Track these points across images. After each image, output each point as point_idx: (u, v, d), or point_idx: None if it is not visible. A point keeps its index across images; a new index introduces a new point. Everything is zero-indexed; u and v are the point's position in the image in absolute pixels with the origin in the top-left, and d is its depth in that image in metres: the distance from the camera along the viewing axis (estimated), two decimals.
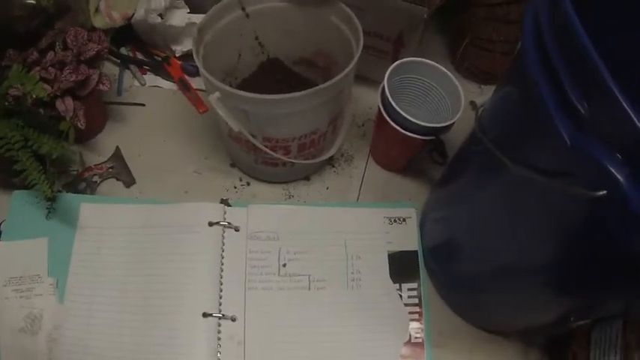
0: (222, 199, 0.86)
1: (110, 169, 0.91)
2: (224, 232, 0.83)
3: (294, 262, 0.83)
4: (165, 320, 0.76)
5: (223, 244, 0.81)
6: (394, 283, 0.83)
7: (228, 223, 0.83)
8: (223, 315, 0.76)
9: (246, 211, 0.85)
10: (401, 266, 0.84)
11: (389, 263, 0.84)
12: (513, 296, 0.69)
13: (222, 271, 0.79)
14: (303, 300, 0.80)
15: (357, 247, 0.85)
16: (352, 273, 0.83)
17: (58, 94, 0.79)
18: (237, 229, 0.84)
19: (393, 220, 0.88)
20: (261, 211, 0.86)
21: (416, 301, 0.82)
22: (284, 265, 0.82)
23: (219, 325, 0.76)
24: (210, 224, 0.82)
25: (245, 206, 0.86)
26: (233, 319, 0.77)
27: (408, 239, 0.87)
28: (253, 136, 0.77)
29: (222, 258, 0.80)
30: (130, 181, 0.90)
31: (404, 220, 0.88)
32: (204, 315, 0.75)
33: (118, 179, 0.90)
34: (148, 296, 0.78)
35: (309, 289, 0.81)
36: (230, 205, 0.86)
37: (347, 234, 0.86)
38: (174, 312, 0.76)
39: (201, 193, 0.89)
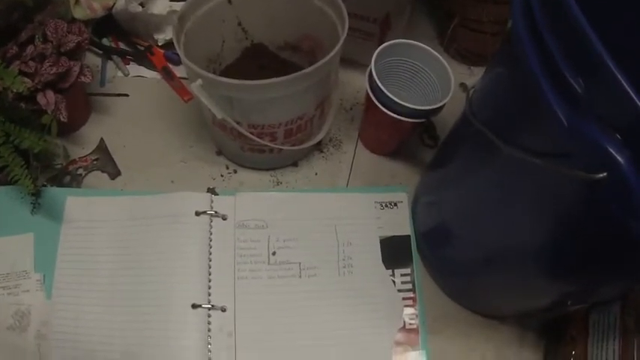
0: (208, 188, 0.85)
1: (95, 162, 0.89)
2: (211, 221, 0.81)
3: (283, 250, 0.81)
4: (155, 312, 0.74)
5: (211, 234, 0.80)
6: (387, 268, 0.81)
7: (216, 212, 0.82)
8: (213, 306, 0.75)
9: (234, 200, 0.84)
10: (393, 251, 0.83)
11: (381, 249, 0.83)
12: (508, 281, 0.68)
13: (210, 261, 0.78)
14: (294, 288, 0.79)
15: (348, 233, 0.83)
16: (344, 259, 0.81)
17: (39, 87, 0.78)
18: (224, 218, 0.82)
19: (384, 205, 0.86)
20: (248, 199, 0.84)
21: (409, 286, 0.80)
22: (273, 254, 0.81)
23: (209, 316, 0.75)
24: (197, 214, 0.80)
25: (232, 194, 0.84)
26: (223, 310, 0.76)
27: (400, 224, 0.85)
28: (238, 122, 0.75)
29: (211, 248, 0.79)
30: (115, 173, 0.89)
31: (395, 204, 0.87)
32: (194, 306, 0.74)
33: (103, 171, 0.89)
34: (136, 289, 0.76)
35: (300, 276, 0.80)
36: (217, 194, 0.84)
37: (337, 220, 0.84)
38: (164, 304, 0.74)
39: (187, 182, 0.88)
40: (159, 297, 0.75)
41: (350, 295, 0.79)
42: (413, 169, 0.92)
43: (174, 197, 0.82)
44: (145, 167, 0.89)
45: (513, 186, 0.55)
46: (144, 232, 0.80)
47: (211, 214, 0.81)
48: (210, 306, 0.75)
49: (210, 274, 0.77)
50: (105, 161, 0.90)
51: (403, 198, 0.88)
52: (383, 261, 0.82)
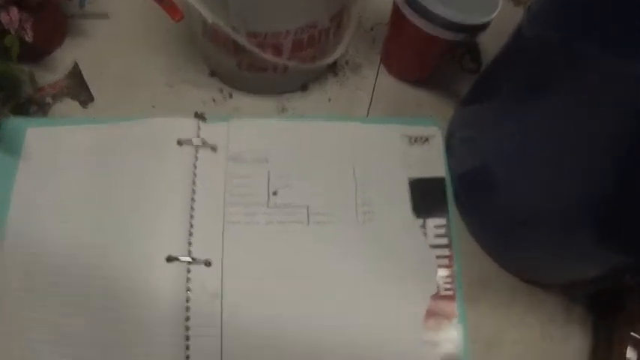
0: (196, 113, 0.70)
1: (66, 88, 0.77)
2: (197, 152, 0.66)
3: (287, 190, 0.66)
4: (122, 267, 0.60)
5: (196, 168, 0.65)
6: (417, 217, 0.66)
7: (203, 141, 0.66)
8: (194, 259, 0.60)
9: (227, 127, 0.68)
10: (425, 197, 0.67)
11: (410, 192, 0.68)
12: (560, 240, 0.55)
13: (193, 201, 0.63)
14: (300, 237, 0.63)
15: (369, 172, 0.68)
16: (363, 204, 0.66)
17: (2, 4, 0.67)
18: (214, 149, 0.67)
19: (414, 140, 0.71)
20: (245, 127, 0.69)
21: (445, 241, 0.65)
22: (274, 194, 0.65)
23: (189, 271, 0.59)
24: (180, 143, 0.65)
25: (225, 121, 0.69)
26: (207, 264, 0.60)
27: (432, 163, 0.70)
28: (234, 29, 0.60)
29: (195, 185, 0.64)
30: (87, 99, 0.76)
31: (426, 139, 0.72)
32: (169, 259, 0.59)
33: (74, 98, 0.76)
34: (102, 236, 0.62)
35: (308, 223, 0.64)
36: (206, 120, 0.69)
37: (355, 155, 0.69)
38: (132, 255, 0.60)
39: (172, 108, 0.73)
40: (127, 246, 0.61)
41: (371, 249, 0.64)
42: (446, 100, 0.77)
43: (151, 123, 0.67)
44: (123, 92, 0.76)
45: (584, 115, 0.45)
46: (114, 166, 0.65)
47: (197, 144, 0.66)
48: (189, 259, 0.60)
49: (192, 218, 0.62)
50: (77, 87, 0.77)
51: (435, 132, 0.72)
52: (412, 208, 0.67)
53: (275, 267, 0.62)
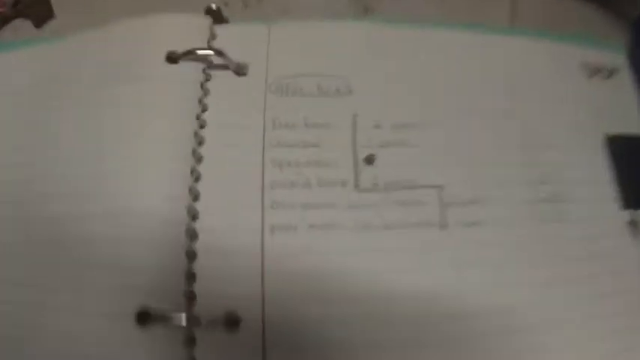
0: (208, 8, 0.39)
1: (18, 5, 0.54)
2: (207, 77, 0.34)
3: (394, 152, 0.33)
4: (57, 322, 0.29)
5: (203, 107, 0.33)
6: (622, 208, 0.36)
7: (218, 54, 0.35)
8: (195, 317, 0.28)
9: (267, 34, 0.37)
10: (632, 170, 0.38)
11: (612, 161, 0.37)
12: None
13: (197, 180, 0.31)
14: (427, 255, 0.31)
15: (540, 123, 0.37)
16: (541, 182, 0.35)
17: None
18: (240, 72, 0.35)
19: (594, 72, 0.41)
20: (301, 34, 0.37)
21: None
22: (369, 160, 0.33)
23: (193, 343, 0.28)
24: (172, 59, 0.34)
25: (263, 25, 0.38)
26: (231, 324, 0.28)
27: (624, 112, 0.40)
28: None
29: (199, 145, 0.32)
30: (43, 16, 0.53)
31: (611, 73, 0.42)
32: (140, 318, 0.27)
33: (27, 18, 0.54)
34: (28, 251, 0.31)
35: (440, 225, 0.32)
36: (226, 22, 0.38)
37: (510, 90, 0.38)
38: (73, 308, 0.29)
39: None
40: (68, 278, 0.29)
41: (561, 271, 0.33)
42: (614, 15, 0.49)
43: (125, 28, 0.37)
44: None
45: None
46: (56, 107, 0.36)
47: (208, 61, 0.35)
48: (188, 315, 0.28)
49: (194, 220, 0.30)
50: (33, 3, 0.54)
51: (621, 63, 0.42)
52: (617, 191, 0.36)
53: (374, 323, 0.30)
